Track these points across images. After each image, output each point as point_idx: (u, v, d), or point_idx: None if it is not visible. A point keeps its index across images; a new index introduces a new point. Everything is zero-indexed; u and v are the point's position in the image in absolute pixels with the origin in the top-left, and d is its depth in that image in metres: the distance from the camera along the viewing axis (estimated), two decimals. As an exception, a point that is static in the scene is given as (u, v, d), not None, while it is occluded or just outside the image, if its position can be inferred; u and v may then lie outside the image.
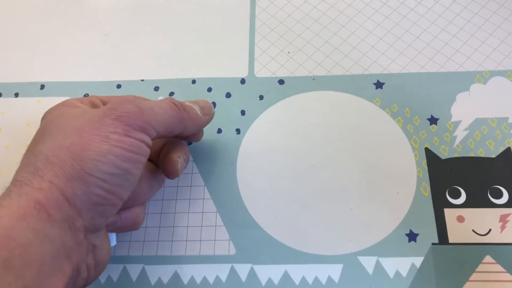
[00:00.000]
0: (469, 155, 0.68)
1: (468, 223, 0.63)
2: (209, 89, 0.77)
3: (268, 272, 0.62)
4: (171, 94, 0.77)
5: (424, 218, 0.64)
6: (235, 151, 0.71)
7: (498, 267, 0.60)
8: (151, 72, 0.79)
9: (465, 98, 0.72)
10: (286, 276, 0.62)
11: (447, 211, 0.64)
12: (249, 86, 0.76)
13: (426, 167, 0.67)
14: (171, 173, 0.59)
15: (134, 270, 0.64)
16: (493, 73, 0.74)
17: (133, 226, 0.58)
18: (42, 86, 0.80)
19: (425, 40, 0.78)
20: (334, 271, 0.62)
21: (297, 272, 0.62)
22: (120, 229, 0.57)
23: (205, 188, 0.69)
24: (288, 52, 0.79)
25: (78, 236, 0.44)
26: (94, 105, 0.58)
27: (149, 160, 0.59)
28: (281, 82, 0.76)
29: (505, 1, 0.80)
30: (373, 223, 0.64)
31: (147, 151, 0.50)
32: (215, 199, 0.68)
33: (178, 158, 0.59)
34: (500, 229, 0.62)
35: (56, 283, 0.41)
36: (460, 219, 0.63)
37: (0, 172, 0.73)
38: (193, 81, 0.78)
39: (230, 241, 0.65)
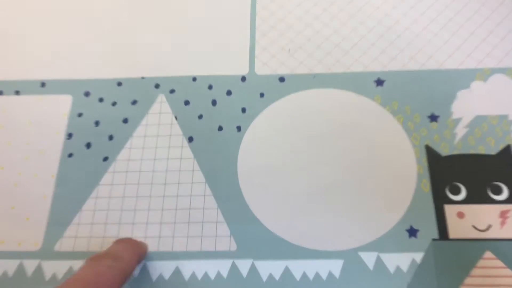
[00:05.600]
0: (469, 152, 0.68)
1: (468, 219, 0.63)
2: (210, 87, 0.77)
3: (269, 267, 0.63)
4: (172, 91, 0.77)
5: (424, 214, 0.64)
6: (236, 148, 0.71)
7: (498, 263, 0.60)
8: (151, 70, 0.79)
9: (465, 95, 0.72)
10: (287, 272, 0.62)
11: (447, 207, 0.64)
12: (250, 84, 0.77)
13: (427, 164, 0.68)
14: None
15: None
16: (493, 71, 0.74)
17: None
18: (43, 84, 0.80)
19: (426, 37, 0.78)
20: (335, 266, 0.62)
21: (298, 267, 0.62)
22: None
23: (206, 185, 0.69)
24: (289, 50, 0.79)
25: None
26: None
27: None
28: (281, 79, 0.76)
29: (505, -1, 0.81)
30: (373, 219, 0.65)
31: None
32: (216, 196, 0.68)
33: None
34: (500, 225, 0.62)
35: None
36: (460, 215, 0.64)
37: (1, 170, 0.73)
38: (194, 79, 0.78)
39: (231, 237, 0.65)
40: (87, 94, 0.78)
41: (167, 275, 0.63)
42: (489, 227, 0.62)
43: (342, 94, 0.74)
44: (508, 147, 0.68)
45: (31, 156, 0.74)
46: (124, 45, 0.83)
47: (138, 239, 0.66)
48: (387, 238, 0.63)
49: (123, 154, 0.73)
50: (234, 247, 0.64)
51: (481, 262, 0.60)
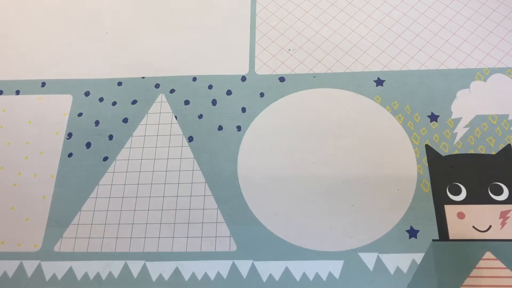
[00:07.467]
0: (470, 152, 0.68)
1: (469, 219, 0.63)
2: (210, 86, 0.77)
3: (269, 268, 0.63)
4: (172, 91, 0.77)
5: (424, 215, 0.64)
6: (236, 148, 0.71)
7: (499, 263, 0.60)
8: (151, 70, 0.79)
9: (465, 95, 0.72)
10: (287, 272, 0.62)
11: (448, 208, 0.64)
12: (250, 84, 0.77)
13: (427, 164, 0.68)
14: None
15: (135, 267, 0.64)
16: (493, 71, 0.74)
17: None
18: (43, 84, 0.80)
19: (426, 37, 0.78)
20: (335, 267, 0.62)
21: (298, 268, 0.62)
22: None
23: (206, 185, 0.69)
24: (289, 50, 0.79)
25: None
26: None
27: None
28: (281, 79, 0.76)
29: (505, -1, 0.81)
30: (373, 220, 0.64)
31: None
32: (216, 196, 0.68)
33: None
34: (500, 226, 0.62)
35: None
36: (461, 215, 0.63)
37: (1, 170, 0.73)
38: (194, 79, 0.78)
39: (231, 238, 0.65)
40: (87, 94, 0.78)
41: (166, 275, 0.63)
42: (489, 227, 0.62)
43: (342, 94, 0.74)
44: (508, 146, 0.68)
45: (31, 156, 0.74)
46: (124, 45, 0.83)
47: (138, 240, 0.66)
48: (387, 239, 0.63)
49: (123, 154, 0.73)
50: (234, 247, 0.64)
51: (481, 263, 0.60)
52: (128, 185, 0.70)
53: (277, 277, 0.62)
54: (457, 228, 0.63)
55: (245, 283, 0.62)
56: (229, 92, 0.76)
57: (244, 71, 0.78)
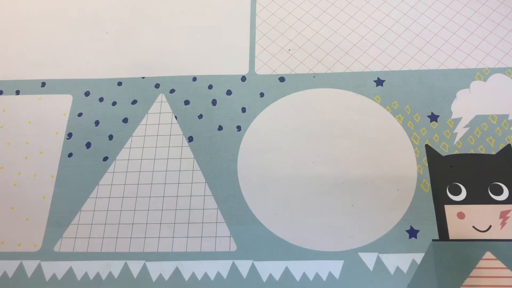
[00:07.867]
0: (469, 152, 0.68)
1: (469, 219, 0.63)
2: (210, 86, 0.77)
3: (269, 268, 0.63)
4: (172, 91, 0.77)
5: (424, 215, 0.64)
6: (236, 148, 0.71)
7: (498, 263, 0.60)
8: (151, 70, 0.79)
9: (465, 95, 0.72)
10: (287, 272, 0.62)
11: (448, 208, 0.64)
12: (250, 84, 0.77)
13: (427, 164, 0.68)
14: None
15: (135, 267, 0.64)
16: (493, 71, 0.74)
17: None
18: (43, 84, 0.80)
19: (426, 37, 0.78)
20: (335, 267, 0.62)
21: (298, 268, 0.62)
22: None
23: (206, 185, 0.69)
24: (289, 50, 0.79)
25: None
26: None
27: None
28: (281, 79, 0.76)
29: (505, -1, 0.81)
30: (373, 220, 0.64)
31: None
32: (216, 196, 0.68)
33: None
34: (500, 226, 0.62)
35: None
36: (461, 215, 0.63)
37: (1, 170, 0.73)
38: (194, 79, 0.78)
39: (231, 238, 0.65)
40: (87, 94, 0.78)
41: (166, 275, 0.63)
42: (489, 227, 0.62)
43: (342, 94, 0.74)
44: (508, 146, 0.68)
45: (31, 156, 0.74)
46: (124, 45, 0.83)
47: (138, 240, 0.66)
48: (387, 239, 0.63)
49: (123, 154, 0.73)
50: (234, 247, 0.64)
51: (481, 263, 0.60)
52: (128, 185, 0.70)
53: (277, 277, 0.62)
54: (457, 228, 0.63)
55: (245, 283, 0.62)
56: (229, 92, 0.76)
57: (244, 71, 0.78)
